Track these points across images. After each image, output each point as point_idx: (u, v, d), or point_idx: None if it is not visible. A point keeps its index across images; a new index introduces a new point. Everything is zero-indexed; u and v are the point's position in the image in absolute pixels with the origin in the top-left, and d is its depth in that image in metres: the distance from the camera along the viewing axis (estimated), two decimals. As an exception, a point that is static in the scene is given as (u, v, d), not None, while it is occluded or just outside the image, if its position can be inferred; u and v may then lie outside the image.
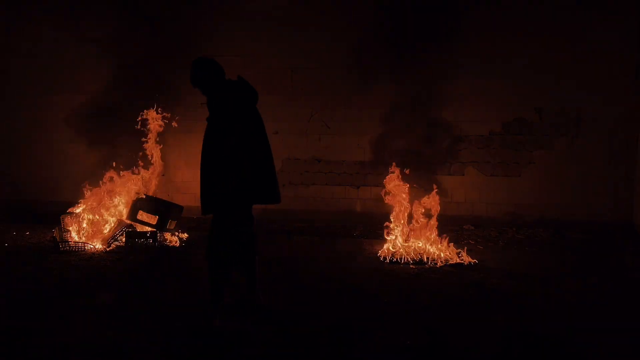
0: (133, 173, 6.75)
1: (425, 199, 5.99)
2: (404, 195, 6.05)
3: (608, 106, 7.10)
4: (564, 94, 7.17)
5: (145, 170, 6.87)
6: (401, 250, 5.72)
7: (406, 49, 7.29)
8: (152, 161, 6.88)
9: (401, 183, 6.11)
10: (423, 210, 5.96)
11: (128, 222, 6.34)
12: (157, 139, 6.95)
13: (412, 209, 6.00)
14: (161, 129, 6.92)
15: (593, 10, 7.00)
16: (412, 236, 5.91)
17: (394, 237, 5.90)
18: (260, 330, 3.73)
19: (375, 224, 7.24)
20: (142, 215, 6.33)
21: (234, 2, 7.65)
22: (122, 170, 6.76)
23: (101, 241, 6.05)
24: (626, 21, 6.99)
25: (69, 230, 6.15)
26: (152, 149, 6.87)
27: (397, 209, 6.05)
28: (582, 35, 7.05)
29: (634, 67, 7.04)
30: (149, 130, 6.88)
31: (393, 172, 6.16)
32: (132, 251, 5.92)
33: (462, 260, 5.52)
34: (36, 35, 7.97)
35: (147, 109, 6.95)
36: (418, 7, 7.28)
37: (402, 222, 5.98)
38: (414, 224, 5.95)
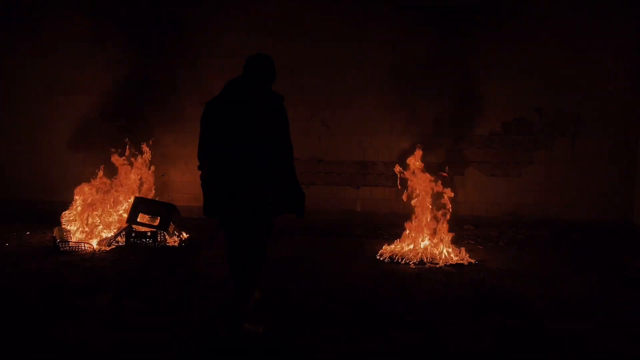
0: (132, 169, 6.78)
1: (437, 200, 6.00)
2: (425, 197, 6.05)
3: (608, 106, 7.10)
4: (564, 94, 7.17)
5: (146, 172, 6.88)
6: (401, 250, 5.72)
7: (405, 50, 7.30)
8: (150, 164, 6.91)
9: (422, 183, 6.09)
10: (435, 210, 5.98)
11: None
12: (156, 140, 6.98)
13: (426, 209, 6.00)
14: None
15: (593, 10, 7.00)
16: (418, 236, 5.90)
17: (411, 239, 5.89)
18: (262, 330, 3.73)
19: (375, 224, 7.26)
20: (142, 218, 6.32)
21: (235, 3, 7.64)
22: (122, 171, 6.78)
23: (101, 241, 6.05)
24: (626, 21, 6.99)
25: (69, 230, 6.15)
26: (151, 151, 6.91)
27: (418, 210, 6.03)
28: (581, 35, 7.04)
29: (634, 67, 7.05)
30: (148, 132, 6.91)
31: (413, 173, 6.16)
32: (132, 251, 5.91)
33: (462, 260, 5.52)
34: (37, 36, 7.95)
35: (147, 109, 6.96)
36: (416, 8, 7.28)
37: (424, 223, 5.96)
38: (422, 224, 5.94)
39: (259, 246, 3.63)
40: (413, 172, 6.18)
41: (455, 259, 5.53)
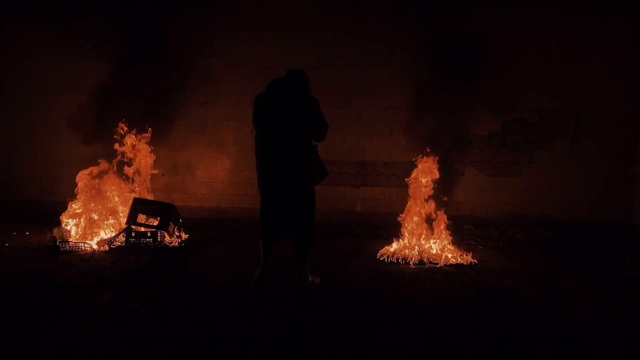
0: (131, 175, 6.78)
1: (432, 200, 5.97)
2: (426, 197, 6.02)
3: (608, 106, 7.11)
4: (564, 94, 7.17)
5: (142, 173, 6.88)
6: (401, 250, 5.72)
7: (405, 49, 7.30)
8: (140, 163, 6.90)
9: (419, 183, 6.06)
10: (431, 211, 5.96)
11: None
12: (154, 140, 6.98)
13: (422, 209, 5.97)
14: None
15: (593, 11, 7.00)
16: (418, 236, 5.87)
17: (404, 238, 5.88)
18: (260, 331, 3.74)
19: (375, 224, 7.26)
20: (141, 219, 6.30)
21: (235, 3, 7.64)
22: (122, 171, 6.77)
23: (101, 241, 6.04)
24: (626, 22, 6.99)
25: (68, 230, 6.15)
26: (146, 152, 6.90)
27: (418, 210, 6.00)
28: (581, 35, 7.05)
29: (634, 67, 7.05)
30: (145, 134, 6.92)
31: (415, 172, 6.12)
32: (132, 251, 5.91)
33: (462, 260, 5.52)
34: (34, 34, 7.93)
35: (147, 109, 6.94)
36: (417, 7, 7.28)
37: (424, 223, 5.93)
38: (420, 224, 5.92)
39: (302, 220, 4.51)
40: (413, 172, 6.17)
41: (455, 259, 5.53)
